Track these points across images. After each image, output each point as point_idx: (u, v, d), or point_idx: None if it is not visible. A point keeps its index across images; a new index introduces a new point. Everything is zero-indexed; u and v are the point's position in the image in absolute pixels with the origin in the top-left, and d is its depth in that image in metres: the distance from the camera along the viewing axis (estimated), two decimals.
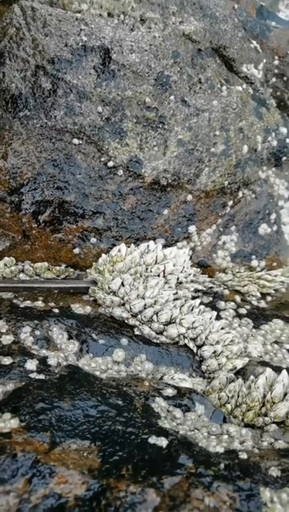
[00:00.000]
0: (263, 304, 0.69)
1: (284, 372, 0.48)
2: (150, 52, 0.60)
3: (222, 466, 0.35)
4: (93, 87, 0.59)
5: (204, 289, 0.68)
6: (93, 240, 0.62)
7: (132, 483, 0.32)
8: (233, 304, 0.66)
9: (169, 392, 0.45)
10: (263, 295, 0.71)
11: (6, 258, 0.60)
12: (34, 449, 0.34)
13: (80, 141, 0.59)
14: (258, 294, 0.71)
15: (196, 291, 0.65)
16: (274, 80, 0.94)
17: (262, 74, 0.84)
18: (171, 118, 0.62)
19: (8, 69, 0.58)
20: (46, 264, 0.61)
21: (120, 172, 0.61)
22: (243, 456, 0.37)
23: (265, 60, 0.88)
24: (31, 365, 0.45)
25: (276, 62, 0.94)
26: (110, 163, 0.60)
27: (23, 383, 0.41)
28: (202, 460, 0.36)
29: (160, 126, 0.61)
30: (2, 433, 0.35)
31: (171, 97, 0.62)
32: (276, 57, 0.93)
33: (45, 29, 0.58)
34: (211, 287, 0.69)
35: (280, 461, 0.37)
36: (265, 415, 0.45)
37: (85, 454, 0.35)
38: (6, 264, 0.60)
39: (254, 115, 0.74)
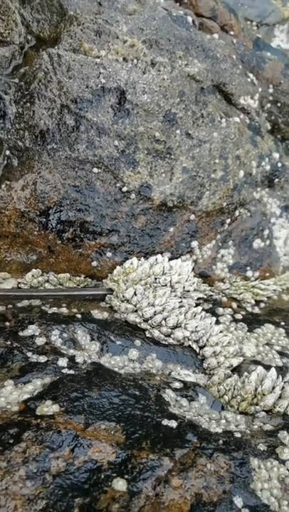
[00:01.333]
0: (256, 310, 0.78)
1: (272, 369, 0.58)
2: (160, 93, 0.70)
3: (221, 442, 0.45)
4: (110, 123, 0.68)
5: (205, 296, 0.77)
6: (109, 254, 0.71)
7: (151, 453, 0.41)
8: (230, 310, 0.75)
9: (177, 385, 0.55)
10: (257, 302, 0.80)
11: (33, 270, 0.69)
12: (73, 427, 0.43)
13: (99, 170, 0.68)
14: (252, 301, 0.80)
15: (198, 298, 0.75)
16: (269, 105, 1.04)
17: (257, 103, 0.94)
18: (177, 149, 0.71)
19: (37, 107, 0.67)
20: (68, 275, 0.71)
21: (133, 196, 0.70)
22: (238, 435, 0.47)
23: (260, 89, 0.97)
24: (62, 362, 0.53)
25: (271, 90, 1.03)
26: (124, 189, 0.70)
27: (58, 377, 0.50)
28: (205, 437, 0.45)
29: (167, 156, 0.71)
30: (47, 415, 0.44)
31: (177, 131, 0.71)
32: (271, 86, 1.02)
33: (69, 73, 0.68)
34: (211, 295, 0.78)
35: (266, 439, 0.47)
36: (256, 404, 0.54)
37: (112, 432, 0.45)
38: (33, 275, 0.69)
39: (250, 143, 0.83)
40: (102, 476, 0.38)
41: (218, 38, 0.85)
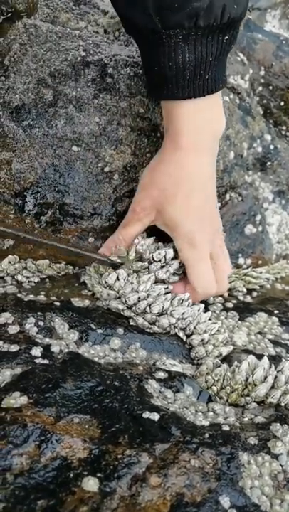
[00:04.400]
0: (248, 299, 0.74)
1: (265, 357, 0.54)
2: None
3: (206, 435, 0.40)
4: (91, 98, 0.64)
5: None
6: (91, 239, 0.67)
7: (128, 448, 0.37)
8: (220, 298, 0.71)
9: (161, 375, 0.50)
10: (249, 290, 0.76)
11: (10, 256, 0.64)
12: (42, 421, 0.39)
13: (79, 148, 0.64)
14: (244, 290, 0.76)
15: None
16: (260, 88, 1.00)
17: (248, 84, 0.90)
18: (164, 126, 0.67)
19: (12, 81, 0.62)
20: (47, 261, 0.66)
21: (116, 177, 0.66)
22: (226, 428, 0.43)
23: (251, 71, 0.94)
24: (36, 351, 0.49)
25: (262, 72, 1.00)
26: (107, 169, 0.65)
27: (29, 367, 0.46)
28: (189, 430, 0.41)
29: (153, 134, 0.67)
30: (13, 408, 0.39)
31: None
32: (262, 68, 0.99)
33: (47, 45, 0.63)
34: None
35: (257, 432, 0.43)
36: (247, 395, 0.50)
37: (86, 426, 0.40)
38: (10, 262, 0.65)
39: (240, 123, 0.79)
40: (71, 475, 0.34)
41: None
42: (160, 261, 0.61)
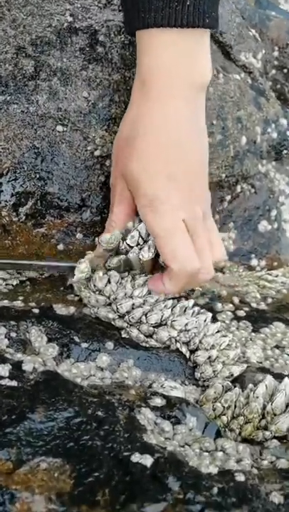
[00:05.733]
0: (262, 306, 0.65)
1: (286, 380, 0.44)
2: None
3: (215, 490, 0.30)
4: (79, 70, 0.55)
5: (200, 289, 0.63)
6: (79, 235, 0.58)
7: None
8: (230, 305, 0.61)
9: (158, 402, 0.41)
10: (263, 296, 0.67)
11: None
12: None
13: (65, 128, 0.55)
14: (258, 296, 0.66)
15: (191, 291, 0.61)
16: (274, 71, 0.90)
17: (261, 64, 0.80)
18: None
19: None
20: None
21: (108, 162, 0.56)
22: (240, 477, 0.32)
23: (264, 51, 0.84)
24: (3, 370, 0.40)
25: (276, 53, 0.90)
26: (97, 153, 0.56)
27: None
28: (192, 483, 0.31)
29: None
30: None
31: None
32: (276, 48, 0.89)
33: (27, 8, 0.54)
34: (208, 288, 0.65)
35: (282, 484, 0.32)
36: (265, 429, 0.40)
37: (55, 475, 0.31)
38: None
39: (253, 105, 0.70)
40: None
41: None
42: (138, 244, 0.48)
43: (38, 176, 0.55)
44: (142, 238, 0.49)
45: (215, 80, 0.65)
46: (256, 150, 0.70)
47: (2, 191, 0.54)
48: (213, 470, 0.33)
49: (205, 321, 0.50)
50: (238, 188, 0.68)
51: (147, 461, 0.32)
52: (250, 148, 0.68)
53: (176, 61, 0.46)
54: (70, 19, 0.56)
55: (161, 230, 0.47)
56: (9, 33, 0.54)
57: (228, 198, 0.67)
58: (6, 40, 0.54)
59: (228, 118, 0.64)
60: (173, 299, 0.52)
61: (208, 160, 0.52)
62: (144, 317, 0.49)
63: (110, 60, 0.56)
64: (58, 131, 0.55)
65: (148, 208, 0.47)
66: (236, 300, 0.63)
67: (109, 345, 0.47)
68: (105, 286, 0.51)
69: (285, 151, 0.75)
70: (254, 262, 0.70)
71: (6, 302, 0.51)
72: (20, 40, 0.54)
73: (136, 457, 0.33)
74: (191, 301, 0.52)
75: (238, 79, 0.69)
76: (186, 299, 0.54)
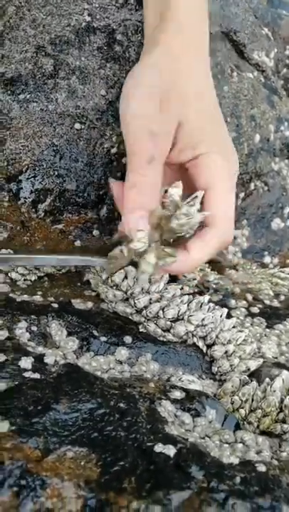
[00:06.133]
0: (275, 303, 0.65)
1: None
2: None
3: (238, 479, 0.31)
4: (97, 68, 0.55)
5: (214, 286, 0.64)
6: (96, 232, 0.58)
7: (135, 499, 0.28)
8: (244, 302, 0.62)
9: (177, 394, 0.41)
10: (276, 293, 0.67)
11: (3, 250, 0.56)
12: (24, 456, 0.30)
13: (83, 126, 0.55)
14: (271, 293, 0.67)
15: (205, 288, 0.61)
16: (285, 70, 0.90)
17: (273, 63, 0.81)
18: None
19: (7, 49, 0.54)
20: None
21: (125, 159, 0.57)
22: (261, 468, 0.33)
23: (276, 50, 0.84)
24: (26, 363, 0.41)
25: (287, 52, 0.90)
26: (114, 150, 0.57)
27: (16, 383, 0.38)
28: (215, 472, 0.31)
29: None
30: None
31: None
32: (287, 47, 0.89)
33: (47, 8, 0.55)
34: (221, 284, 0.65)
35: None
36: (284, 422, 0.41)
37: (82, 463, 0.31)
38: None
39: (266, 103, 0.70)
40: None
41: None
42: (187, 214, 0.44)
43: (56, 173, 0.55)
44: (187, 201, 0.46)
45: (229, 79, 0.65)
46: (269, 148, 0.70)
47: (22, 188, 0.55)
48: (235, 460, 0.34)
49: (221, 316, 0.51)
50: (252, 186, 0.68)
51: (170, 451, 0.33)
52: (263, 146, 0.68)
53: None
54: (88, 19, 0.56)
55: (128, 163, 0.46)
56: (29, 33, 0.55)
57: (242, 195, 0.68)
58: (26, 40, 0.55)
59: (242, 116, 0.65)
60: (188, 294, 0.53)
61: None
62: (161, 312, 0.49)
63: (128, 58, 0.56)
64: (76, 129, 0.55)
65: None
66: (250, 297, 0.64)
67: (128, 339, 0.48)
68: (122, 281, 0.51)
69: None
70: (267, 259, 0.70)
71: (25, 297, 0.52)
72: (40, 40, 0.55)
73: (159, 447, 0.33)
74: (207, 297, 0.53)
75: (251, 77, 0.69)
76: (201, 295, 0.55)
